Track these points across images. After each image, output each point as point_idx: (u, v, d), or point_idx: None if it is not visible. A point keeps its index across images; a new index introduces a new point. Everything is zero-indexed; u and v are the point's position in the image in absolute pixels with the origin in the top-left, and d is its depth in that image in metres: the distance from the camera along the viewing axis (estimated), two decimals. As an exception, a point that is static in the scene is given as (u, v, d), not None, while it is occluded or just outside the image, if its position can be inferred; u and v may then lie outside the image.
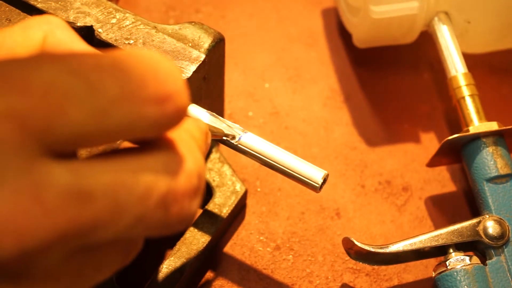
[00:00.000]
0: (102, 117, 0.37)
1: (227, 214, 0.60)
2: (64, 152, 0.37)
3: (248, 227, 0.62)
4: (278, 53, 0.70)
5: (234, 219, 0.61)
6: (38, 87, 0.36)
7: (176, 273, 0.57)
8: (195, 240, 0.59)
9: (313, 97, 0.68)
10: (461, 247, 0.57)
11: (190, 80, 0.56)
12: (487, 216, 0.58)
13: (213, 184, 0.61)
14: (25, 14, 0.57)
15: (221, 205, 0.60)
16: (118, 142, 0.43)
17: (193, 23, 0.58)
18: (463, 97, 0.62)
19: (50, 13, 0.57)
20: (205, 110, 0.56)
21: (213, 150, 0.62)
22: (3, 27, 0.57)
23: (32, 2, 0.58)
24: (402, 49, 0.69)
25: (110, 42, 0.57)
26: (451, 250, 0.57)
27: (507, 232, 0.57)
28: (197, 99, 0.57)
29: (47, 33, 0.45)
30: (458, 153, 0.61)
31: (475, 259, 0.57)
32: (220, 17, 0.71)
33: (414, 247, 0.57)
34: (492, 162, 0.59)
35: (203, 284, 0.59)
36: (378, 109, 0.68)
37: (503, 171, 0.59)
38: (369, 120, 0.67)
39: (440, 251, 0.58)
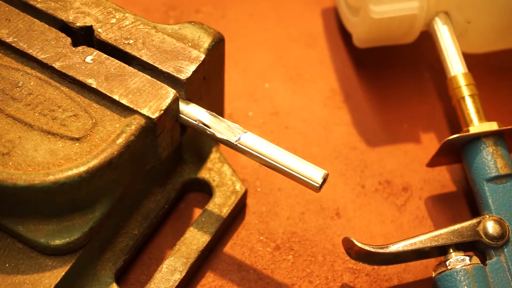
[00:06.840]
0: None
1: (227, 214, 0.60)
2: None
3: (248, 227, 0.62)
4: (278, 53, 0.70)
5: (234, 219, 0.61)
6: None
7: (176, 273, 0.57)
8: (195, 240, 0.59)
9: (313, 97, 0.68)
10: (461, 247, 0.57)
11: (190, 80, 0.56)
12: (487, 216, 0.58)
13: (213, 184, 0.61)
14: (25, 14, 0.57)
15: (221, 205, 0.60)
16: None
17: (193, 23, 0.58)
18: (463, 97, 0.62)
19: (49, 13, 0.57)
20: (205, 110, 0.56)
21: (213, 150, 0.62)
22: (3, 27, 0.57)
23: (32, 2, 0.58)
24: (402, 49, 0.69)
25: (110, 42, 0.57)
26: (451, 250, 0.57)
27: (507, 232, 0.57)
28: (197, 99, 0.57)
29: None
30: (458, 153, 0.61)
31: (475, 259, 0.57)
32: (220, 17, 0.71)
33: (414, 247, 0.57)
34: (492, 162, 0.59)
35: (203, 284, 0.59)
36: (378, 109, 0.68)
37: (503, 171, 0.59)
38: (369, 120, 0.67)
39: (440, 251, 0.58)
